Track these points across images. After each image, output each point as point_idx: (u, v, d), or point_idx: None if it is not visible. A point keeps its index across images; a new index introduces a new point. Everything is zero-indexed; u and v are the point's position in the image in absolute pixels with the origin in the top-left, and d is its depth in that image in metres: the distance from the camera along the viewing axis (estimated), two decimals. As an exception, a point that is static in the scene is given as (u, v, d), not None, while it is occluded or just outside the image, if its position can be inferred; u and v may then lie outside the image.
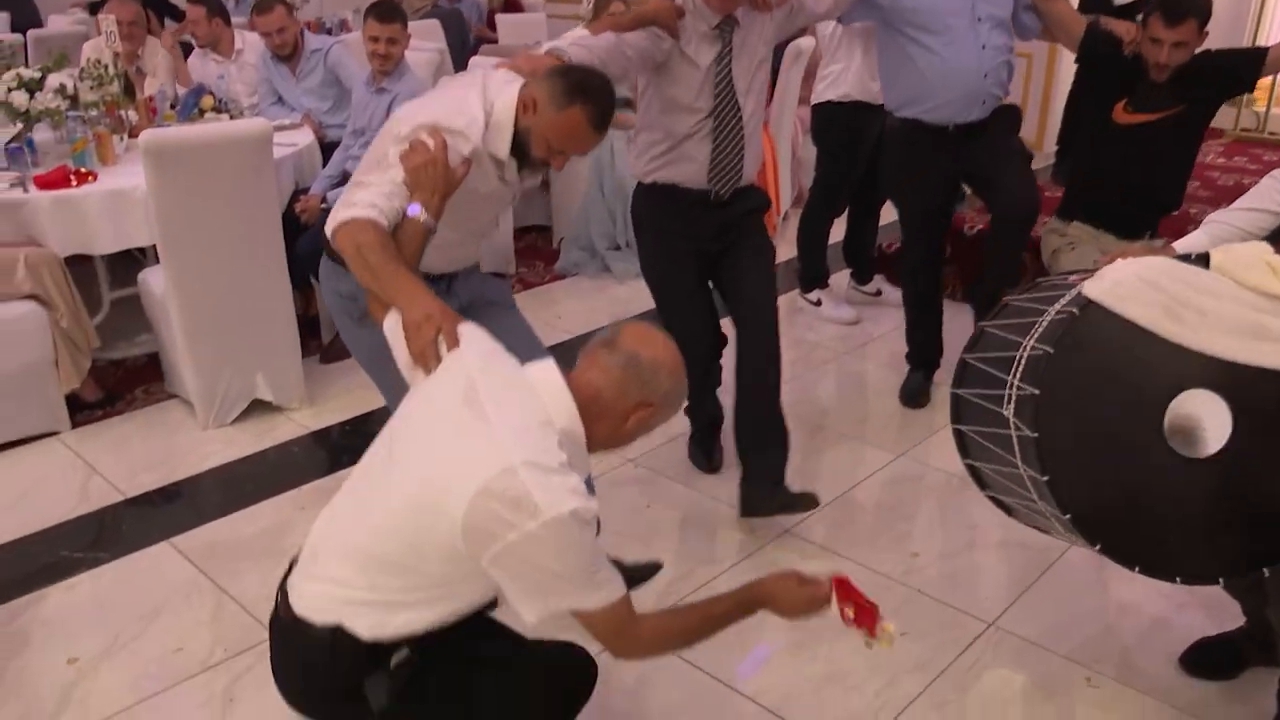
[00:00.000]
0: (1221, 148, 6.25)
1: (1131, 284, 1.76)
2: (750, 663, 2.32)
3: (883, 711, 2.19)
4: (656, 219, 2.84)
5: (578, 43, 2.43)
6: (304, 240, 3.71)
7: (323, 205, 3.83)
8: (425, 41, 5.11)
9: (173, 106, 4.36)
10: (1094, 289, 1.78)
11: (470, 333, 1.66)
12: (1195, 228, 2.18)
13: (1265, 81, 5.62)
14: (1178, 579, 1.78)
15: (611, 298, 4.58)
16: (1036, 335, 1.81)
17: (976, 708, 2.20)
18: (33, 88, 3.67)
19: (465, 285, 2.36)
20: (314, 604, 1.54)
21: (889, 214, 4.06)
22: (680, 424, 3.27)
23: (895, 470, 3.16)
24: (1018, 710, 2.20)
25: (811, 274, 4.29)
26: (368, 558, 1.49)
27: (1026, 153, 3.42)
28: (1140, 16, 3.07)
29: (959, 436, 2.01)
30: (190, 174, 3.12)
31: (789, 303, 4.44)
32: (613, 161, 4.71)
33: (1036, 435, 1.74)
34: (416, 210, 1.89)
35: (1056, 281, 1.96)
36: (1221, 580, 1.85)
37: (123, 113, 4.06)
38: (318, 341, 4.00)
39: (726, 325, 3.16)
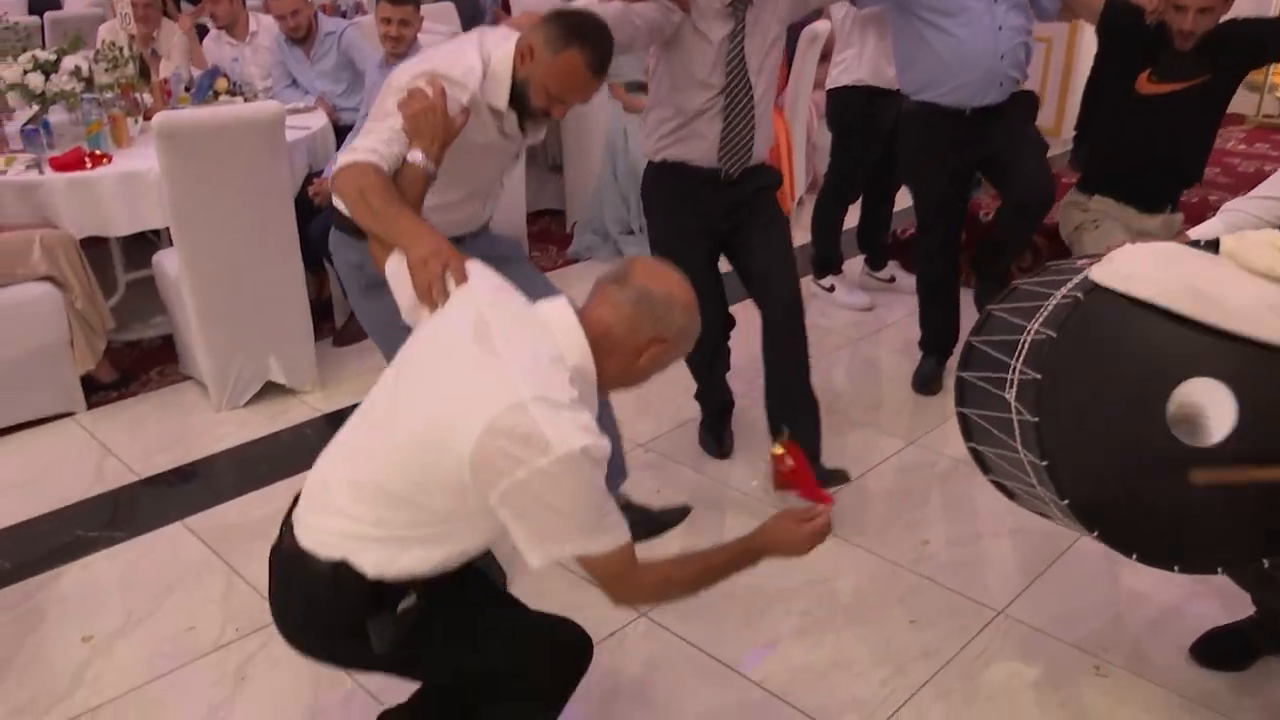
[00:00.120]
0: (1243, 134, 6.18)
1: (1139, 268, 1.74)
2: (752, 658, 2.32)
3: (889, 699, 2.19)
4: (666, 198, 2.83)
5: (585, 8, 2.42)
6: (317, 223, 3.71)
7: (336, 188, 3.83)
8: (439, 24, 5.10)
9: (187, 89, 4.37)
10: (1101, 273, 1.76)
11: (479, 269, 1.62)
12: (1213, 215, 2.16)
13: (1287, 66, 5.55)
14: (1176, 568, 1.76)
15: (624, 282, 4.57)
16: (1041, 320, 1.79)
17: (984, 696, 2.20)
18: (48, 70, 3.69)
19: (474, 247, 2.36)
20: (319, 538, 1.51)
21: (904, 200, 4.04)
22: (691, 409, 3.27)
23: (907, 457, 3.15)
24: (1025, 699, 2.19)
25: (825, 260, 4.27)
26: (375, 493, 1.47)
27: (1043, 141, 3.38)
28: None
29: (963, 420, 2.00)
30: (203, 156, 3.13)
31: (802, 289, 4.41)
32: (626, 145, 4.69)
33: (1037, 420, 1.72)
34: (417, 156, 1.88)
35: (1065, 266, 1.94)
36: (1220, 569, 1.83)
37: (138, 95, 4.07)
38: (331, 324, 4.02)
39: (736, 310, 3.17)
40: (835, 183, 4.12)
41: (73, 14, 6.32)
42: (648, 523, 2.65)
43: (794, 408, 2.84)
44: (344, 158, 1.89)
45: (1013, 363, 1.80)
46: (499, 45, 2.05)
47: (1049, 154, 3.52)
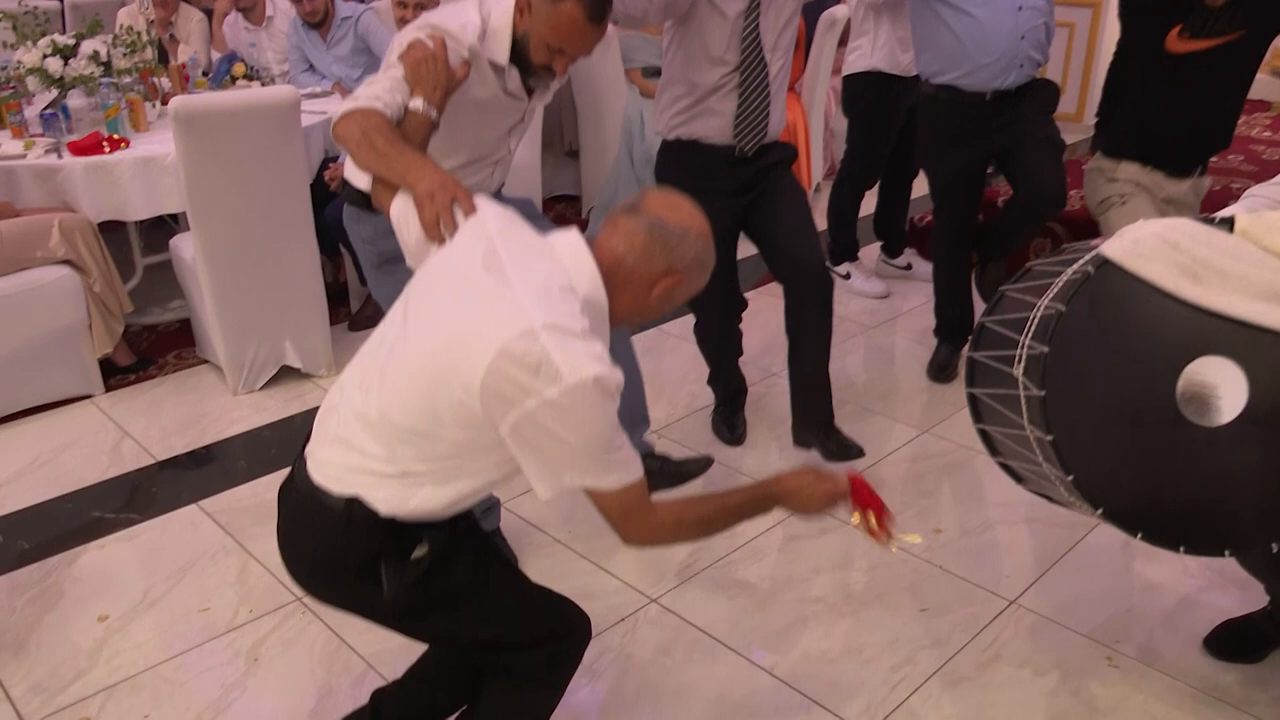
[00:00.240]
0: (1268, 121, 6.10)
1: (1150, 242, 1.71)
2: (755, 658, 2.31)
3: (899, 687, 2.19)
4: (680, 176, 2.81)
5: None
6: (333, 208, 3.72)
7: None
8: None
9: (205, 74, 4.38)
10: (1112, 248, 1.73)
11: (487, 202, 1.60)
12: (1235, 201, 2.13)
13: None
14: (1181, 549, 1.73)
15: (639, 269, 4.56)
16: (1051, 295, 1.76)
17: (994, 685, 2.19)
18: (67, 54, 3.71)
19: None
20: (330, 473, 1.49)
21: (921, 187, 4.01)
22: (705, 396, 3.27)
23: (920, 446, 3.14)
24: (1036, 689, 2.19)
25: (841, 247, 4.25)
26: (385, 426, 1.45)
27: (1059, 140, 3.33)
28: None
29: (972, 401, 1.97)
30: (219, 141, 3.14)
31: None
32: (642, 131, 4.68)
33: (1044, 394, 1.69)
34: (418, 103, 1.88)
35: (1081, 246, 1.91)
36: (1228, 552, 1.79)
37: (156, 79, 4.09)
38: (346, 309, 4.03)
39: (747, 296, 3.16)
40: (851, 169, 4.10)
41: (92, -2, 6.34)
42: (669, 472, 2.64)
43: (813, 381, 2.88)
44: (346, 105, 1.87)
45: (1021, 339, 1.77)
46: (498, 3, 2.05)
47: (1071, 140, 3.48)
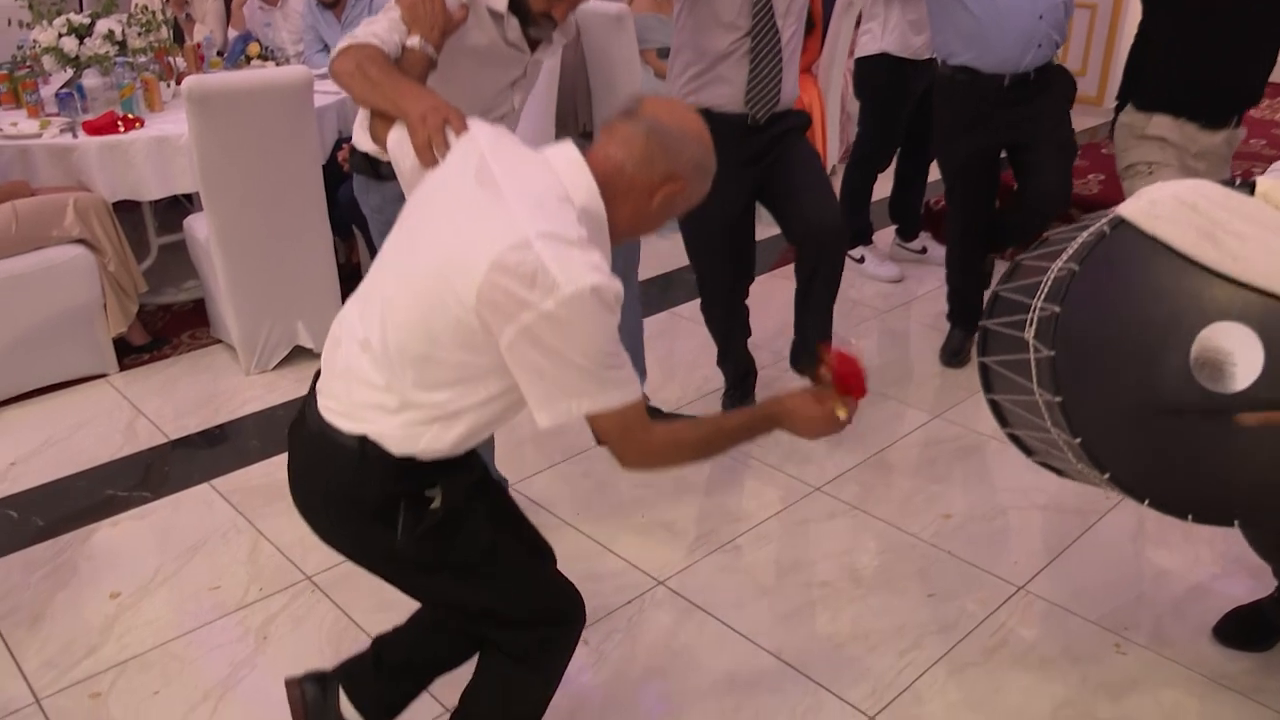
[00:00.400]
0: (1292, 104, 6.01)
1: (1168, 204, 1.68)
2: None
3: (905, 672, 2.18)
4: None
5: None
6: (346, 189, 3.72)
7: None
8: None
9: (220, 53, 4.39)
10: (1129, 208, 1.70)
11: (479, 122, 1.57)
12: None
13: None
14: (1189, 517, 1.69)
15: (653, 250, 4.54)
16: (1066, 256, 1.73)
17: (1001, 671, 2.19)
18: (82, 33, 3.72)
19: None
20: (336, 406, 1.47)
21: (937, 170, 3.98)
22: (716, 379, 3.26)
23: (932, 431, 3.13)
24: (1042, 675, 2.18)
25: (855, 230, 4.22)
26: (384, 350, 1.42)
27: (1073, 145, 3.29)
28: None
29: (983, 371, 1.94)
30: (232, 121, 3.14)
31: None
32: (657, 113, 4.65)
33: (1053, 354, 1.66)
34: (415, 41, 1.86)
35: (1098, 215, 1.88)
36: (1237, 523, 1.75)
37: (171, 59, 4.10)
38: (359, 290, 4.04)
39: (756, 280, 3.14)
40: (864, 152, 4.08)
41: (109, -22, 6.35)
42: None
43: (819, 307, 2.91)
44: (343, 43, 1.86)
45: (1034, 301, 1.74)
46: None
47: (1091, 124, 3.43)
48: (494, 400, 1.43)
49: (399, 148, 1.65)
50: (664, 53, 4.66)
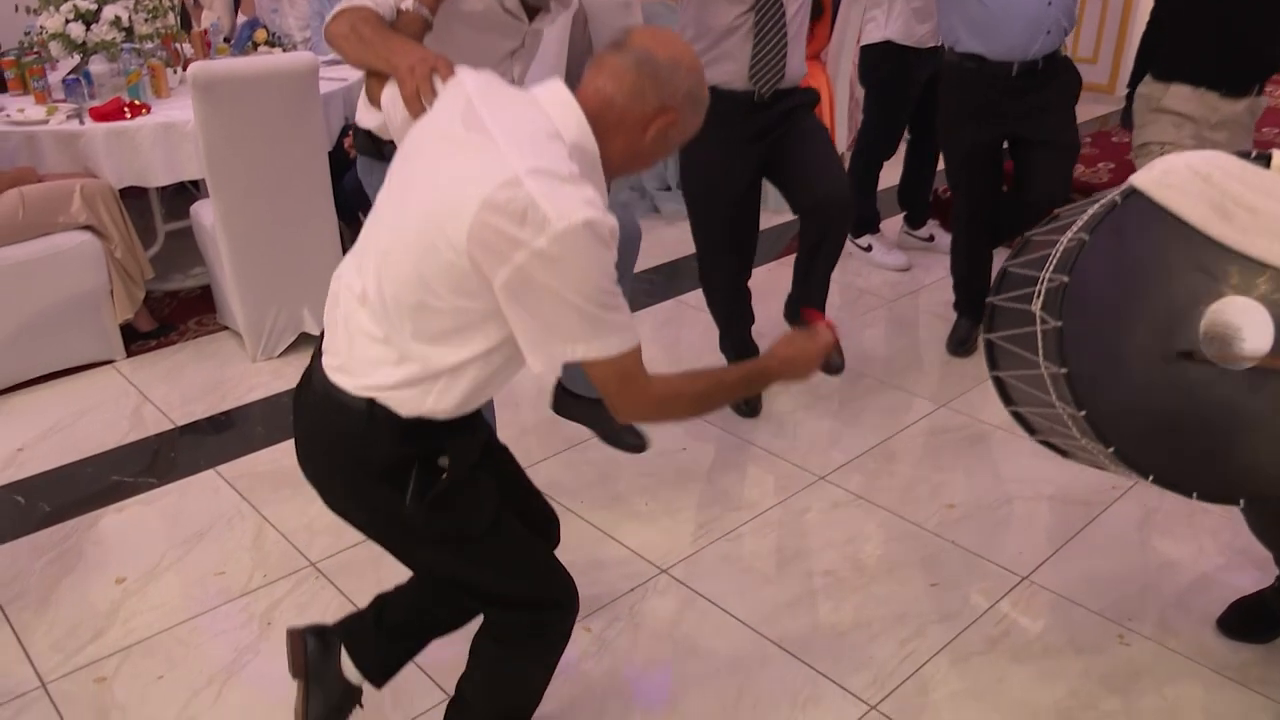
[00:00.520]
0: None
1: (1181, 174, 1.65)
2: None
3: (906, 661, 2.18)
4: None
5: None
6: (351, 175, 3.72)
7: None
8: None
9: (227, 40, 4.38)
10: (1141, 178, 1.67)
11: (467, 69, 1.55)
12: None
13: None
14: (1194, 495, 1.67)
15: (660, 238, 4.55)
16: (1076, 227, 1.71)
17: (1003, 661, 2.18)
18: (89, 19, 3.72)
19: None
20: (341, 362, 1.46)
21: (946, 158, 3.97)
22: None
23: (937, 420, 3.12)
24: (1044, 666, 2.17)
25: (862, 219, 4.21)
26: (380, 301, 1.41)
27: (1075, 145, 3.27)
28: None
29: (989, 348, 1.92)
30: (237, 107, 3.14)
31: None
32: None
33: (1060, 324, 1.64)
34: (409, 2, 1.85)
35: (1109, 191, 1.86)
36: (1242, 502, 1.72)
37: (178, 45, 4.10)
38: (365, 277, 4.04)
39: (760, 271, 3.13)
40: (870, 140, 4.07)
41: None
42: (607, 428, 2.64)
43: (818, 272, 2.92)
44: (339, 6, 1.87)
45: (1042, 274, 1.72)
46: None
47: (1102, 112, 3.39)
48: (495, 351, 1.41)
49: (391, 104, 1.64)
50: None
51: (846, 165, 4.31)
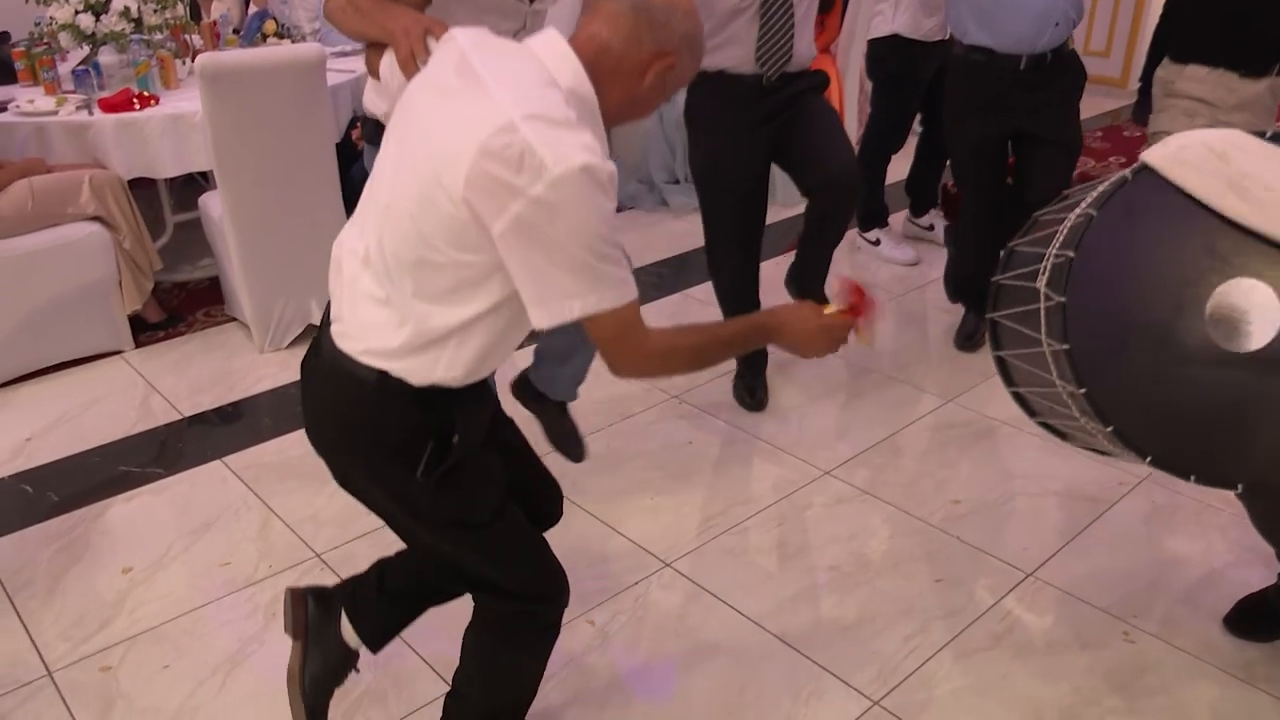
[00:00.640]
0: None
1: (1196, 150, 1.62)
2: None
3: (910, 657, 2.18)
4: (707, 109, 2.82)
5: None
6: (359, 167, 3.72)
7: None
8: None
9: (236, 31, 4.39)
10: (1154, 154, 1.65)
11: (459, 28, 1.53)
12: None
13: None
14: (1192, 478, 1.64)
15: (668, 231, 4.55)
16: (1086, 202, 1.68)
17: (1007, 657, 2.18)
18: (98, 10, 3.72)
19: None
20: (346, 328, 1.45)
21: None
22: (728, 362, 3.24)
23: (944, 415, 3.11)
24: (1048, 662, 2.17)
25: (870, 212, 4.20)
26: (380, 260, 1.40)
27: (1079, 142, 3.25)
28: None
29: (993, 328, 1.90)
30: (245, 98, 3.15)
31: (848, 242, 4.35)
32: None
33: (1064, 300, 1.62)
34: None
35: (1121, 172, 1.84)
36: (1240, 487, 1.69)
37: (187, 36, 4.10)
38: (373, 269, 4.04)
39: (767, 265, 3.12)
40: (877, 133, 4.06)
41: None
42: (555, 430, 2.67)
43: (817, 277, 2.91)
44: None
45: (1048, 251, 1.69)
46: None
47: (1114, 106, 3.36)
48: (498, 311, 1.39)
49: (389, 72, 1.64)
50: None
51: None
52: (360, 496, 1.59)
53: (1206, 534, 2.54)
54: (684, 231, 4.45)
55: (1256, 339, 1.58)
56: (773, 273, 3.16)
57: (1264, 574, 2.34)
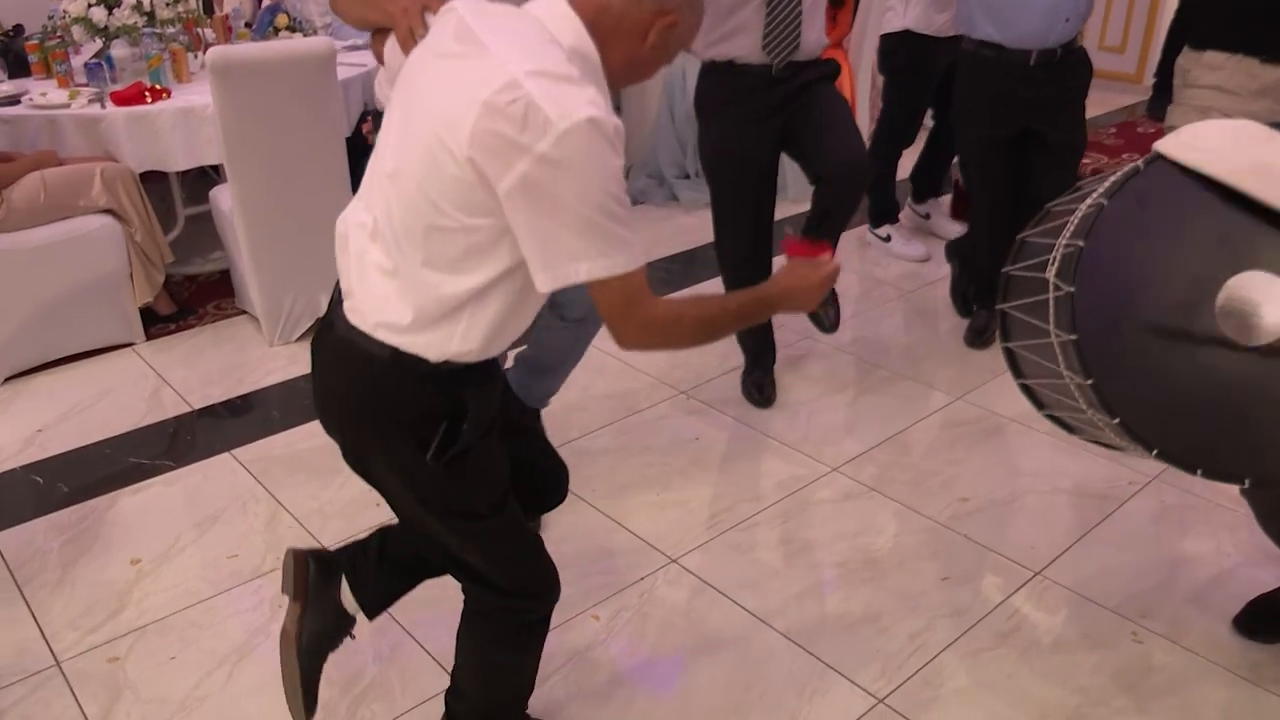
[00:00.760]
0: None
1: (1210, 139, 1.61)
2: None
3: (914, 655, 2.17)
4: (717, 99, 2.81)
5: None
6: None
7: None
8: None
9: (248, 25, 4.39)
10: (1167, 143, 1.63)
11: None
12: None
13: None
14: (1199, 472, 1.61)
15: (678, 227, 4.54)
16: (1099, 192, 1.66)
17: (1013, 656, 2.17)
18: (111, 4, 3.74)
19: None
20: (356, 303, 1.43)
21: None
22: (736, 358, 3.24)
23: (953, 413, 3.09)
24: (1054, 662, 2.16)
25: (880, 208, 4.19)
26: (388, 229, 1.38)
27: (1083, 142, 3.23)
28: None
29: (1002, 319, 1.87)
30: (255, 91, 3.15)
31: (858, 237, 4.34)
32: (685, 87, 4.62)
33: (1073, 289, 1.59)
34: None
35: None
36: (1247, 482, 1.66)
37: (199, 30, 4.11)
38: (383, 263, 4.05)
39: (774, 260, 3.11)
40: (889, 128, 4.04)
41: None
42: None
43: (840, 211, 2.87)
44: None
45: (1059, 240, 1.67)
46: None
47: (1129, 102, 3.32)
48: (512, 275, 1.36)
49: (392, 54, 1.63)
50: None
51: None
52: (368, 477, 1.58)
53: (1216, 534, 2.53)
54: (694, 227, 4.44)
55: (1267, 332, 1.55)
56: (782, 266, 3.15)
57: (1274, 574, 2.32)
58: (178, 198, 3.98)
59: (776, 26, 2.62)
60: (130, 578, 2.41)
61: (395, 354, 1.40)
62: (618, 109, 5.17)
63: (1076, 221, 1.67)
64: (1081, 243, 1.61)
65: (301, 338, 3.53)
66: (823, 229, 2.83)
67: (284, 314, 3.48)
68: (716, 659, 2.17)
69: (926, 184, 4.34)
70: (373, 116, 3.95)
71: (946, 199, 4.50)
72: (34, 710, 2.05)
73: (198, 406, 3.15)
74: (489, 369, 1.49)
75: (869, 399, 3.17)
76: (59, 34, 3.88)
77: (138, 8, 3.76)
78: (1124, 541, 2.52)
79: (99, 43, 3.82)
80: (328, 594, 1.77)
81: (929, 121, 4.25)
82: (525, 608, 1.65)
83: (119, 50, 3.79)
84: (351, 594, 1.78)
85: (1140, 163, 1.64)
